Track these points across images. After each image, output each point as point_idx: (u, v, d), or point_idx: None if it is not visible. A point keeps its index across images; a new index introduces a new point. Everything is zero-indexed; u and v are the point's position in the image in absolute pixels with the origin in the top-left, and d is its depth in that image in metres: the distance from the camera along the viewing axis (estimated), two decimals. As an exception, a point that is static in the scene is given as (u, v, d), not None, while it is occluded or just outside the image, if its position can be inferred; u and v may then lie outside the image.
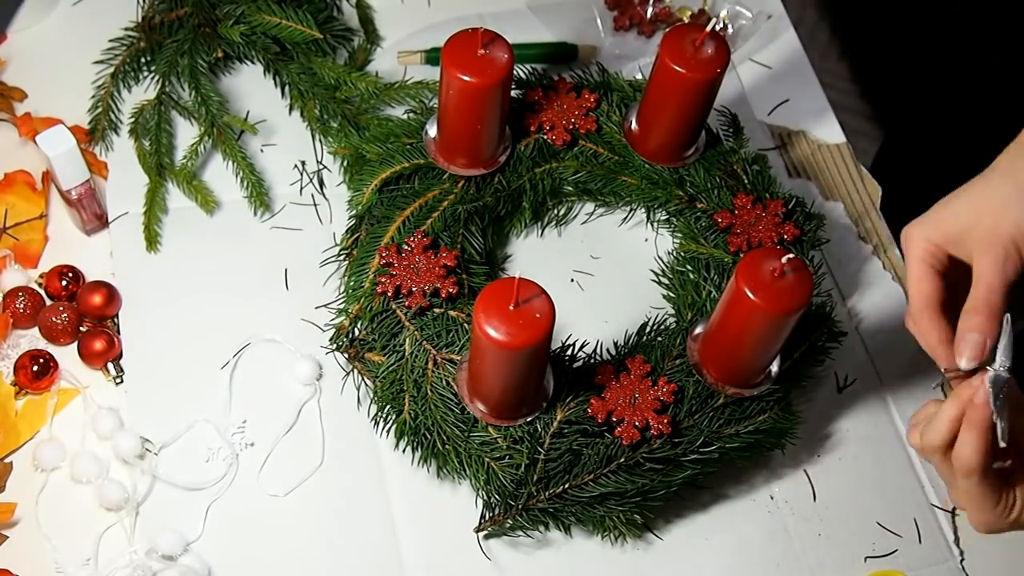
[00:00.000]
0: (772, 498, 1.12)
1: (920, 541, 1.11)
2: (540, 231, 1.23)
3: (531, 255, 1.22)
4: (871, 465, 1.15)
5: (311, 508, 1.07)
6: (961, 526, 1.12)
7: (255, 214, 1.21)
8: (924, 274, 0.88)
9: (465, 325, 1.02)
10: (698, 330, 1.04)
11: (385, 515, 1.08)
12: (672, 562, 1.08)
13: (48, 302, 1.13)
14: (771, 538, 1.10)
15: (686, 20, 1.37)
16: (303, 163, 1.24)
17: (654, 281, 1.17)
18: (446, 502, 1.08)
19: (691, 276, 1.13)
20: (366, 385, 1.09)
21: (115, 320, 1.14)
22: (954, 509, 1.13)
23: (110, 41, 1.27)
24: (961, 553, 1.11)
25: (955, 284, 0.89)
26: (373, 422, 1.06)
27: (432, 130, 1.13)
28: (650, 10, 1.36)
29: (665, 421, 0.98)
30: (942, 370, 0.87)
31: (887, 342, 1.21)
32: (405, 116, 1.20)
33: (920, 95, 1.54)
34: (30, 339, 1.12)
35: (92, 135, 1.22)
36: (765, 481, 1.13)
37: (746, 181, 1.15)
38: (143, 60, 1.26)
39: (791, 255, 0.90)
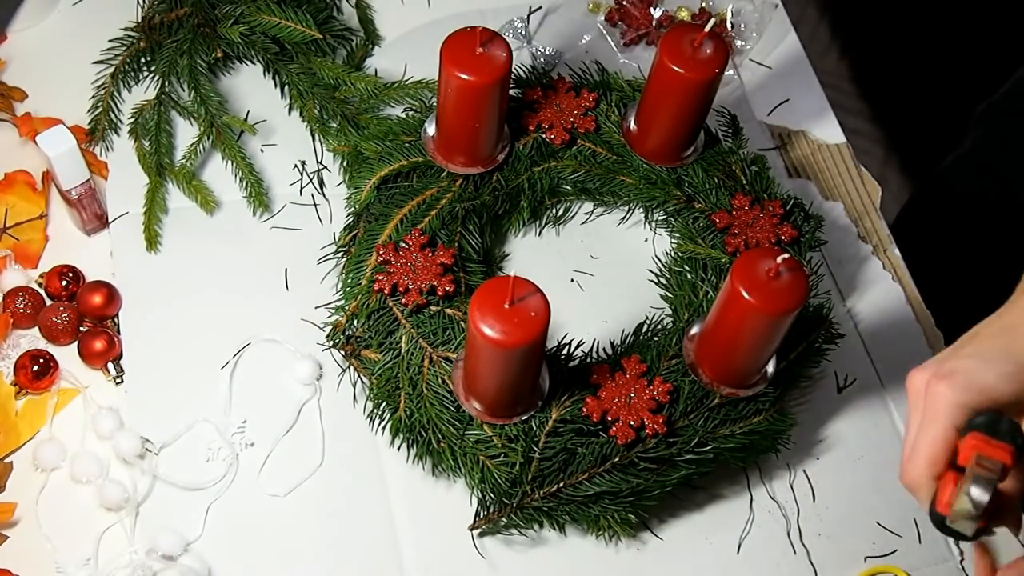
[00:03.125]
0: (772, 498, 1.12)
1: (920, 541, 1.11)
2: (538, 230, 1.23)
3: (529, 254, 1.22)
4: (871, 465, 1.15)
5: (311, 508, 1.08)
6: (961, 526, 1.12)
7: (255, 214, 1.21)
8: (947, 437, 0.77)
9: (461, 323, 1.02)
10: (694, 330, 1.04)
11: (385, 515, 1.08)
12: (671, 562, 1.08)
13: (48, 302, 1.14)
14: (771, 538, 1.10)
15: (685, 18, 1.37)
16: (303, 163, 1.25)
17: (652, 281, 1.17)
18: (442, 500, 1.08)
19: (688, 276, 1.13)
20: (362, 382, 1.09)
21: (115, 320, 1.14)
22: (954, 509, 1.13)
23: (110, 41, 1.27)
24: (961, 553, 1.11)
25: None
26: (368, 419, 1.06)
27: (431, 128, 1.13)
28: (654, 20, 1.36)
29: (660, 421, 0.98)
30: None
31: (887, 342, 1.20)
32: (404, 115, 1.21)
33: (920, 95, 1.54)
34: (30, 339, 1.12)
35: (92, 135, 1.23)
36: (765, 481, 1.13)
37: (744, 182, 1.15)
38: (143, 60, 1.26)
39: (785, 255, 0.89)
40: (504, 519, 1.02)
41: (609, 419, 0.98)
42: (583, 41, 1.36)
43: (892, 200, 2.00)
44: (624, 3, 1.37)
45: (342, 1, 1.34)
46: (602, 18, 1.37)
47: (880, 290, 1.24)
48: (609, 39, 1.36)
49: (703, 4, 1.39)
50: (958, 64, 2.34)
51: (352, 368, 1.09)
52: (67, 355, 1.11)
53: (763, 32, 1.37)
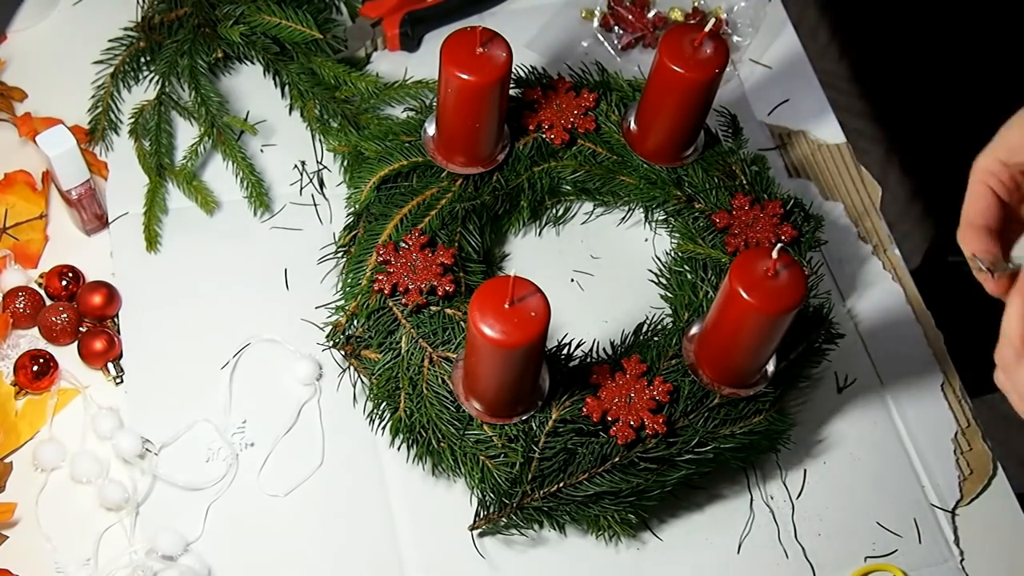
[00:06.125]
0: (772, 498, 1.12)
1: (920, 541, 1.11)
2: (538, 230, 1.23)
3: (529, 254, 1.22)
4: (871, 465, 1.14)
5: (311, 508, 1.08)
6: (961, 526, 1.12)
7: (255, 214, 1.21)
8: (979, 193, 0.87)
9: (461, 323, 1.02)
10: (694, 330, 1.04)
11: (385, 515, 1.08)
12: (671, 562, 1.08)
13: (48, 302, 1.14)
14: (771, 538, 1.10)
15: (678, 18, 1.37)
16: (303, 163, 1.25)
17: (652, 281, 1.17)
18: (442, 500, 1.08)
19: (688, 276, 1.13)
20: (362, 382, 1.09)
21: (115, 320, 1.14)
22: (954, 509, 1.13)
23: (110, 41, 1.27)
24: (961, 553, 1.11)
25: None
26: (368, 419, 1.06)
27: (431, 128, 1.13)
28: (648, 23, 1.36)
29: (660, 421, 0.98)
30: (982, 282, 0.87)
31: (887, 342, 1.20)
32: (405, 115, 1.21)
33: (920, 95, 1.54)
34: (30, 339, 1.12)
35: (92, 135, 1.23)
36: (765, 481, 1.12)
37: (744, 182, 1.15)
38: (143, 60, 1.26)
39: (779, 246, 0.89)
40: (504, 519, 1.01)
41: (609, 419, 0.98)
42: (581, 47, 1.36)
43: (892, 200, 2.00)
44: (617, 7, 1.37)
45: (342, 1, 1.34)
46: (597, 24, 1.37)
47: (880, 290, 1.24)
48: (606, 44, 1.36)
49: (695, 3, 1.39)
50: (959, 64, 2.34)
51: (352, 368, 1.09)
52: (67, 355, 1.12)
53: (759, 26, 1.37)
